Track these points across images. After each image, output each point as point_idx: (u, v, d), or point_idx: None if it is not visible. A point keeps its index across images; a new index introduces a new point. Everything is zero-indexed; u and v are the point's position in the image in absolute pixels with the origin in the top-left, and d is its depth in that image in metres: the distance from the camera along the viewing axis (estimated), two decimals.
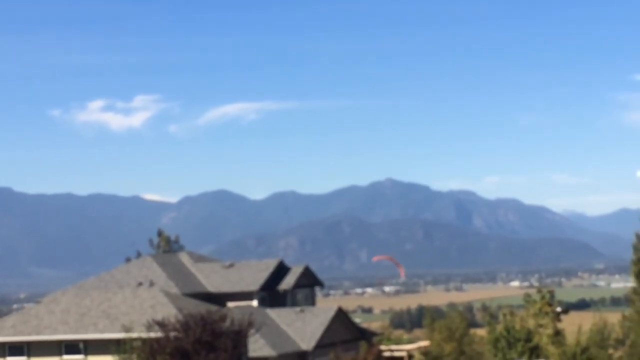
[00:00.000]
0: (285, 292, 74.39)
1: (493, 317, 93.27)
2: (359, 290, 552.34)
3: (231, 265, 76.32)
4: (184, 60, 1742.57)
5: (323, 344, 68.15)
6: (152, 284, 70.45)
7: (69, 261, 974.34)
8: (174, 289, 69.58)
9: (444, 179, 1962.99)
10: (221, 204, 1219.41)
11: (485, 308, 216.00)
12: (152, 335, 55.21)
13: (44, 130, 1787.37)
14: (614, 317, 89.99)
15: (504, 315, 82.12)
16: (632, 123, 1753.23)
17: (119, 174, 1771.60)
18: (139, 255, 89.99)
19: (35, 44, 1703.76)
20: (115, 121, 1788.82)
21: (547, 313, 78.83)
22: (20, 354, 65.97)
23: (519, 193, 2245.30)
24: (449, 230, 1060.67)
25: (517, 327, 74.49)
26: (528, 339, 71.51)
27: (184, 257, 78.24)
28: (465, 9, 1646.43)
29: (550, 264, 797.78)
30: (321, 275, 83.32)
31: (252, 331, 57.74)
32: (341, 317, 73.02)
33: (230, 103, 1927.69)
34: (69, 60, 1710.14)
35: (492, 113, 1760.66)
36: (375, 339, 78.30)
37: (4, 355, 66.31)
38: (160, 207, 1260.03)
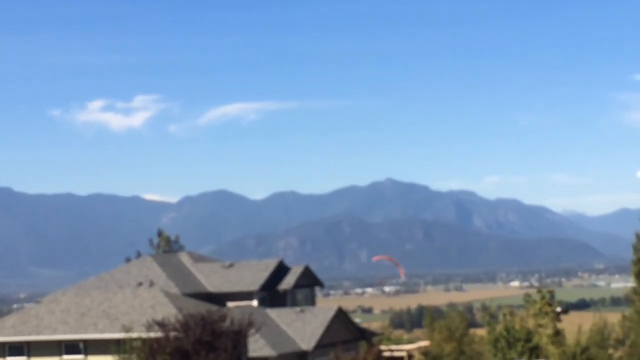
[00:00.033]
0: (285, 292, 74.39)
1: (493, 317, 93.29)
2: (359, 290, 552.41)
3: (231, 265, 76.32)
4: (184, 60, 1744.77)
5: (323, 344, 68.16)
6: (152, 284, 70.44)
7: (69, 261, 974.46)
8: (174, 289, 69.58)
9: (444, 179, 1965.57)
10: (221, 204, 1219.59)
11: (485, 308, 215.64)
12: (152, 335, 55.20)
13: (44, 130, 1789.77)
14: (614, 317, 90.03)
15: (504, 315, 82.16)
16: (632, 123, 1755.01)
17: (119, 174, 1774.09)
18: (139, 255, 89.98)
19: (35, 44, 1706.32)
20: (115, 121, 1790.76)
21: (547, 313, 78.87)
22: (20, 354, 65.96)
23: (519, 193, 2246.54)
24: (449, 230, 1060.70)
25: (517, 327, 74.53)
26: (528, 339, 71.53)
27: (184, 257, 78.23)
28: (465, 9, 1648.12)
29: (550, 264, 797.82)
30: (321, 275, 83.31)
31: (252, 331, 57.75)
32: (341, 317, 73.02)
33: (230, 103, 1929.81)
34: (69, 60, 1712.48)
35: (492, 113, 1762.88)
36: (375, 339, 78.30)
37: (4, 355, 66.31)
38: (160, 207, 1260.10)
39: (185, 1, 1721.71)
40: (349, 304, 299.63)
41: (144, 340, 55.00)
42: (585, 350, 73.25)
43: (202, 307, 61.88)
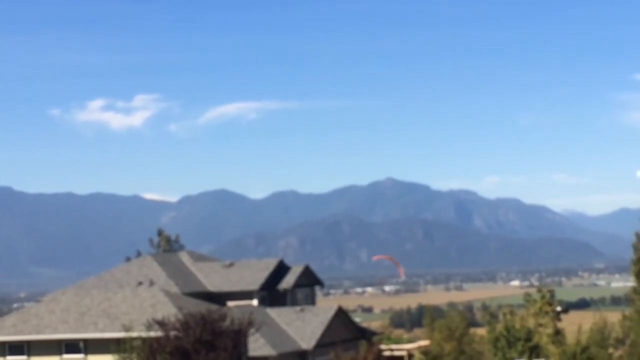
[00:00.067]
0: (286, 291, 74.38)
1: (493, 317, 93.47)
2: (359, 290, 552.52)
3: (231, 265, 76.32)
4: (184, 60, 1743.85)
5: (323, 344, 68.15)
6: (152, 283, 70.43)
7: (69, 261, 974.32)
8: (174, 288, 69.56)
9: (444, 179, 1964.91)
10: (221, 204, 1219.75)
11: (485, 307, 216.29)
12: (152, 334, 55.19)
13: (44, 130, 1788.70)
14: (614, 317, 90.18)
15: (504, 314, 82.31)
16: (632, 123, 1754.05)
17: (119, 173, 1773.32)
18: (139, 254, 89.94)
19: (35, 44, 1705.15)
20: (116, 121, 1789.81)
21: (547, 312, 78.96)
22: (21, 353, 65.95)
23: (519, 193, 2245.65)
24: (449, 230, 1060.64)
25: (517, 326, 74.59)
26: (528, 339, 71.56)
27: (184, 257, 78.23)
28: (465, 9, 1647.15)
29: (550, 264, 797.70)
30: (321, 275, 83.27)
31: (252, 330, 57.74)
32: (341, 316, 73.00)
33: (230, 103, 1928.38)
34: (69, 60, 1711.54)
35: (492, 113, 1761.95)
36: (375, 339, 78.32)
37: (4, 355, 66.29)
38: (160, 207, 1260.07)
39: (185, 1, 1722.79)
40: (349, 303, 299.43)
41: (144, 340, 54.97)
42: (585, 349, 73.27)
43: (202, 307, 61.86)
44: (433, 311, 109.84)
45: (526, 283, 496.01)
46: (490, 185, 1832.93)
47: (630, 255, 78.78)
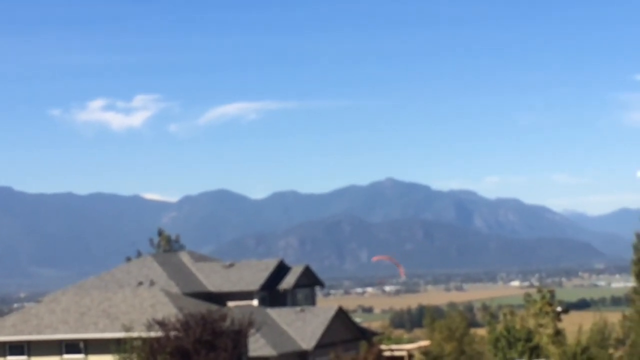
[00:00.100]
0: (286, 291, 74.37)
1: (493, 317, 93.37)
2: (359, 290, 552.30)
3: (231, 265, 76.31)
4: (184, 60, 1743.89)
5: (323, 344, 68.14)
6: (152, 283, 70.42)
7: (69, 261, 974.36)
8: (175, 289, 69.55)
9: (444, 179, 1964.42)
10: (221, 204, 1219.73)
11: (485, 308, 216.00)
12: (153, 334, 55.19)
13: (44, 130, 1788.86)
14: (614, 317, 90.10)
15: (504, 315, 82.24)
16: (632, 123, 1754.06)
17: (119, 173, 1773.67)
18: (139, 254, 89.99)
19: (35, 44, 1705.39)
20: (116, 121, 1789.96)
21: (547, 313, 78.92)
22: (21, 353, 65.94)
23: (519, 193, 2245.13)
24: (449, 230, 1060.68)
25: (518, 326, 74.57)
26: (528, 339, 71.55)
27: (184, 257, 78.23)
28: (465, 9, 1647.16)
29: (550, 264, 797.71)
30: (321, 275, 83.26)
31: (252, 331, 57.73)
32: (341, 316, 72.99)
33: (230, 103, 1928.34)
34: (69, 60, 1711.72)
35: (492, 113, 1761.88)
36: (375, 339, 78.32)
37: (4, 355, 66.29)
38: (160, 207, 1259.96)
39: (185, 1, 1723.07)
40: (349, 303, 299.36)
41: (144, 340, 54.97)
42: (585, 350, 73.25)
43: (202, 307, 61.85)
44: (433, 311, 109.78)
45: (526, 283, 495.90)
46: (490, 185, 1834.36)
47: (630, 255, 78.79)
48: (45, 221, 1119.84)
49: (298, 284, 75.26)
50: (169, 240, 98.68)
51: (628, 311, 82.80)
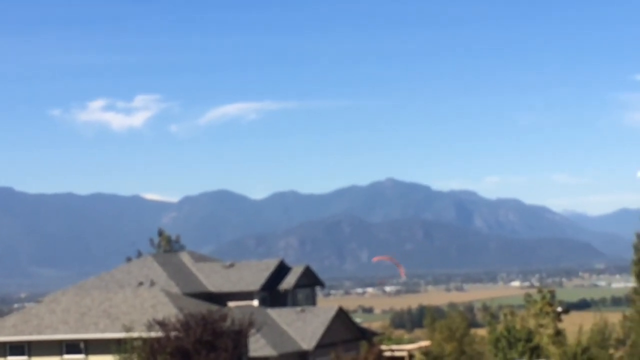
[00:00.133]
0: (286, 292, 74.35)
1: (494, 317, 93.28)
2: (359, 290, 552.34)
3: (232, 265, 76.30)
4: (184, 60, 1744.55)
5: (324, 344, 68.12)
6: (152, 283, 70.41)
7: (69, 261, 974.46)
8: (175, 289, 69.54)
9: (444, 179, 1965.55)
10: (221, 204, 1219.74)
11: (485, 308, 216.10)
12: (153, 334, 55.19)
13: (44, 130, 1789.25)
14: (614, 317, 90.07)
15: (505, 315, 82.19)
16: (632, 123, 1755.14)
17: (119, 173, 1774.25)
18: (139, 254, 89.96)
19: (35, 44, 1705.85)
20: (116, 121, 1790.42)
21: (547, 313, 78.87)
22: (21, 353, 65.94)
23: (519, 193, 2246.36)
24: (449, 230, 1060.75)
25: (518, 327, 74.51)
26: (529, 339, 71.51)
27: (184, 257, 78.22)
28: (465, 9, 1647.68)
29: (550, 264, 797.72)
30: (321, 275, 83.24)
31: (252, 331, 57.73)
32: (342, 317, 72.98)
33: (230, 103, 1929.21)
34: (69, 60, 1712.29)
35: (492, 113, 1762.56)
36: (375, 339, 78.27)
37: (4, 355, 66.29)
38: (160, 207, 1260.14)
39: (185, 1, 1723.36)
40: (349, 303, 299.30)
41: (144, 340, 54.98)
42: (586, 350, 73.22)
43: (202, 307, 61.85)
44: (434, 312, 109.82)
45: (527, 283, 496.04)
46: (491, 185, 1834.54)
47: (630, 255, 78.76)
48: (45, 221, 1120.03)
49: (298, 284, 75.24)
50: (169, 240, 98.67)
51: (628, 311, 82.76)
